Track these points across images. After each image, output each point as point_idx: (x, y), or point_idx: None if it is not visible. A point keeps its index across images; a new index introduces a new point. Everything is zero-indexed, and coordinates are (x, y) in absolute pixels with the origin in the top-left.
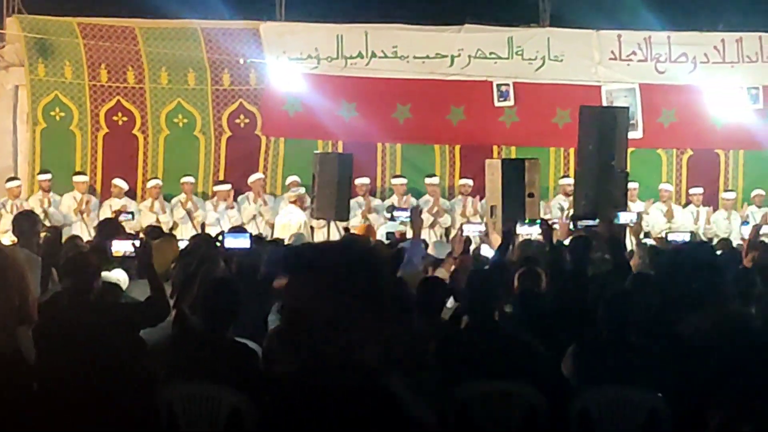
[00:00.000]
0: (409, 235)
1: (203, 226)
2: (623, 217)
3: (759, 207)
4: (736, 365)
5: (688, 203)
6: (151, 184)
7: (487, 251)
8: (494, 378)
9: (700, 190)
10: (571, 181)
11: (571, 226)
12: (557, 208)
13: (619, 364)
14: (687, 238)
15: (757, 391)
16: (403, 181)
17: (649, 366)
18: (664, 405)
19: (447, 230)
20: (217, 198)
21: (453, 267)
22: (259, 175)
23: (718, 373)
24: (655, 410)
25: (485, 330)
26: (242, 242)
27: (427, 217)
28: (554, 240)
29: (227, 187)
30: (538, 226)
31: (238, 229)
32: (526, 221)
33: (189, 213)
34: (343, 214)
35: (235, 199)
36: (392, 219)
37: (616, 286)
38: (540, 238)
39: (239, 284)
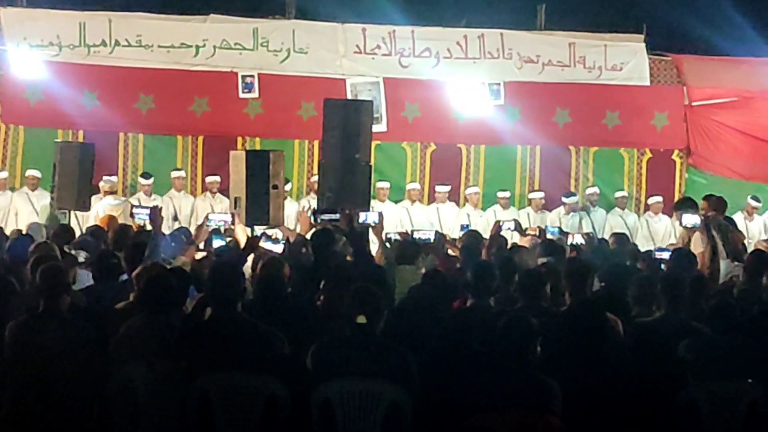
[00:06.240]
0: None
1: None
2: (368, 217)
3: (504, 209)
4: (475, 358)
5: (432, 200)
6: None
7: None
8: (237, 369)
9: (447, 188)
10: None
11: (313, 220)
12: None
13: (362, 358)
14: (432, 236)
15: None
16: (149, 182)
17: (394, 360)
18: (405, 397)
19: None
20: None
21: (195, 255)
22: (4, 174)
23: (458, 365)
24: (396, 402)
25: (228, 321)
26: None
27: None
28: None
29: None
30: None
31: None
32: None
33: None
34: (85, 204)
35: None
36: (131, 216)
37: (360, 280)
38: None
39: None
